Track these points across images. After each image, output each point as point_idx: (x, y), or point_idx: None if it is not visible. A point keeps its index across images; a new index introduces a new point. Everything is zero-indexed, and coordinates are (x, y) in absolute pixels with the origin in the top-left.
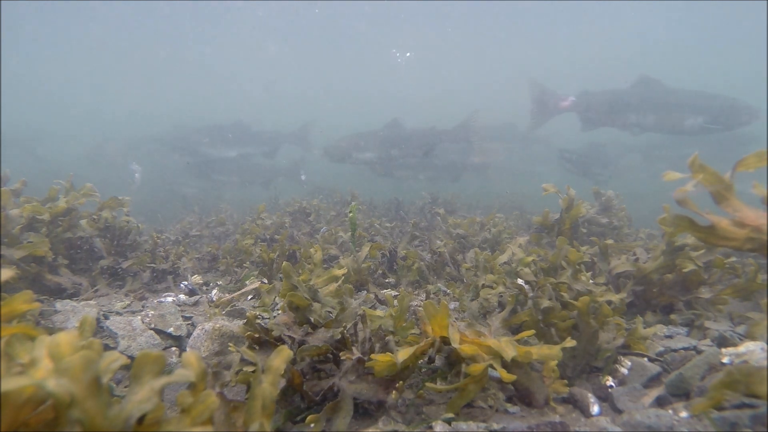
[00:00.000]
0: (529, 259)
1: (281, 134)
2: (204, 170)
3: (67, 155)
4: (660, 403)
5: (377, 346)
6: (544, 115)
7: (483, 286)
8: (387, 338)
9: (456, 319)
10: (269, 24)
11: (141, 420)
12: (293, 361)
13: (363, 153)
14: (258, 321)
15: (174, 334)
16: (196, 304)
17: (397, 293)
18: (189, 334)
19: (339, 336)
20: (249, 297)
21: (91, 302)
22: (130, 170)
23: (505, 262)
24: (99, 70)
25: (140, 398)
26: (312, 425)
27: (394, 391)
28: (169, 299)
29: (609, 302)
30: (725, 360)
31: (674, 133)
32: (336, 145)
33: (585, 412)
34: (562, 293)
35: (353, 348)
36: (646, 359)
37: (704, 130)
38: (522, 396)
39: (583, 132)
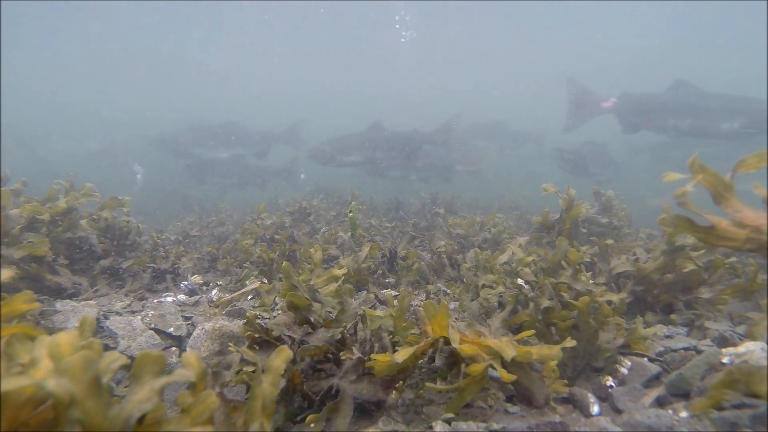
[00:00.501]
0: (529, 259)
1: (273, 134)
2: (200, 172)
3: (67, 155)
4: (660, 403)
5: (377, 346)
6: (584, 116)
7: (483, 286)
8: (387, 338)
9: (456, 319)
10: (272, 24)
11: (141, 420)
12: (293, 361)
13: (347, 156)
14: (258, 321)
15: (174, 334)
16: (196, 304)
17: (397, 293)
18: (189, 334)
19: (339, 336)
20: (249, 297)
21: (91, 302)
22: (132, 171)
23: (505, 262)
24: (100, 70)
25: (140, 398)
26: (312, 425)
27: (394, 391)
28: (169, 299)
29: (609, 302)
30: (725, 360)
31: (710, 137)
32: (320, 148)
33: (585, 412)
34: (562, 293)
35: (353, 348)
36: (646, 359)
37: (740, 135)
38: (522, 396)
39: (624, 135)
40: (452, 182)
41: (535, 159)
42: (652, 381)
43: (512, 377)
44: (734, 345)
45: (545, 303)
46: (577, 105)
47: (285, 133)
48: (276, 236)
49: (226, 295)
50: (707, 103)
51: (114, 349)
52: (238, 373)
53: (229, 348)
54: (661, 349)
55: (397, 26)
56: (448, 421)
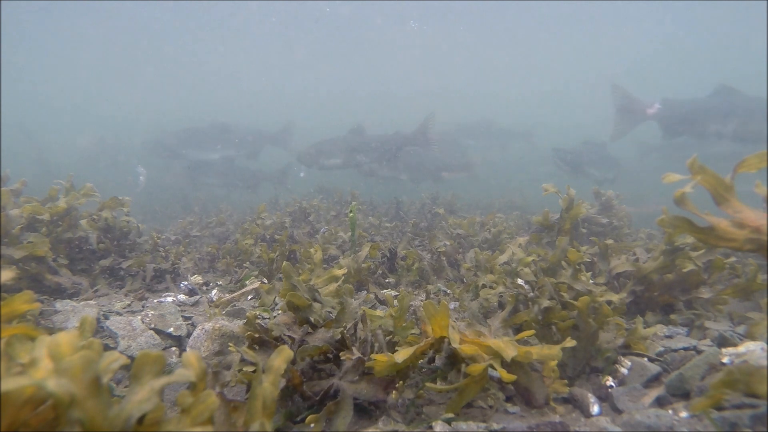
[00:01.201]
0: (529, 259)
1: (265, 134)
2: (192, 174)
3: (68, 155)
4: (660, 403)
5: (377, 346)
6: (630, 122)
7: (483, 286)
8: (382, 337)
9: (456, 319)
10: (280, 25)
11: (141, 420)
12: (293, 361)
13: (328, 159)
14: (258, 321)
15: (174, 334)
16: (196, 304)
17: (397, 293)
18: (189, 334)
19: (339, 336)
20: (249, 297)
21: (91, 302)
22: (135, 172)
23: (505, 262)
24: (103, 70)
25: (140, 398)
26: (312, 425)
27: (394, 391)
28: (169, 299)
29: (609, 302)
30: (725, 360)
31: (755, 141)
32: (307, 151)
33: (585, 412)
34: (562, 293)
35: (353, 348)
36: (646, 359)
37: None
38: (522, 396)
39: (664, 140)
40: (444, 181)
41: (536, 160)
42: (652, 381)
43: (512, 377)
44: (734, 345)
45: (545, 303)
46: (624, 112)
47: (278, 133)
48: (276, 236)
49: (226, 295)
50: (751, 107)
51: (114, 349)
52: (238, 372)
53: (229, 348)
54: (661, 349)
55: (413, 25)
56: (448, 421)
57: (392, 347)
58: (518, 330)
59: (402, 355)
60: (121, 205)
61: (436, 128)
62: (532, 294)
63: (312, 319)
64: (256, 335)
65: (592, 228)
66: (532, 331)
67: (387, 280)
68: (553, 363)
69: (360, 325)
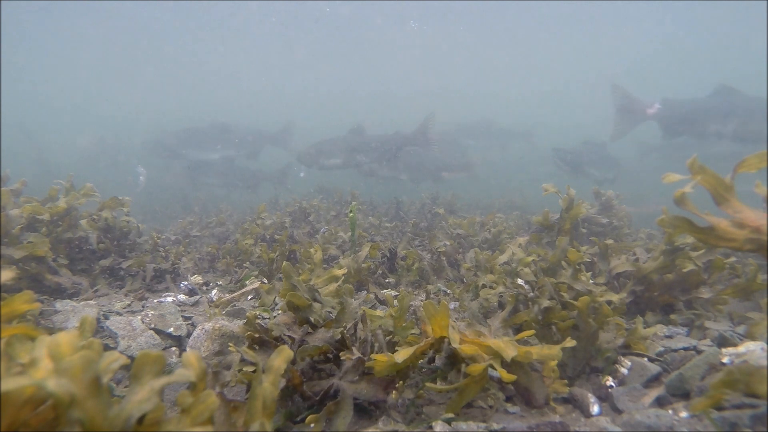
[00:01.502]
0: (529, 259)
1: (266, 134)
2: (192, 174)
3: (68, 155)
4: (660, 403)
5: (377, 346)
6: (630, 122)
7: (483, 286)
8: (382, 337)
9: (456, 319)
10: (280, 25)
11: (141, 420)
12: (293, 361)
13: (328, 159)
14: (258, 321)
15: (174, 334)
16: (196, 304)
17: (397, 293)
18: (189, 334)
19: (339, 336)
20: (249, 297)
21: (91, 302)
22: (135, 172)
23: (505, 262)
24: (103, 70)
25: (140, 398)
26: (312, 425)
27: (394, 391)
28: (169, 299)
29: (609, 302)
30: (725, 360)
31: (755, 141)
32: (307, 151)
33: (585, 412)
34: (562, 293)
35: (353, 348)
36: (646, 359)
37: None
38: (522, 396)
39: (664, 140)
40: (444, 181)
41: (536, 160)
42: (652, 381)
43: (512, 377)
44: (734, 345)
45: (545, 303)
46: (624, 112)
47: (278, 133)
48: (276, 236)
49: (226, 295)
50: (751, 107)
51: (114, 349)
52: (238, 372)
53: (229, 348)
54: (661, 349)
55: (413, 25)
56: (448, 421)
57: (392, 347)
58: (518, 330)
59: (402, 355)
60: (121, 205)
61: (436, 128)
62: (532, 294)
63: (312, 319)
64: (256, 335)
65: (592, 228)
66: (532, 331)
67: (387, 280)
68: (553, 363)
69: (360, 325)
